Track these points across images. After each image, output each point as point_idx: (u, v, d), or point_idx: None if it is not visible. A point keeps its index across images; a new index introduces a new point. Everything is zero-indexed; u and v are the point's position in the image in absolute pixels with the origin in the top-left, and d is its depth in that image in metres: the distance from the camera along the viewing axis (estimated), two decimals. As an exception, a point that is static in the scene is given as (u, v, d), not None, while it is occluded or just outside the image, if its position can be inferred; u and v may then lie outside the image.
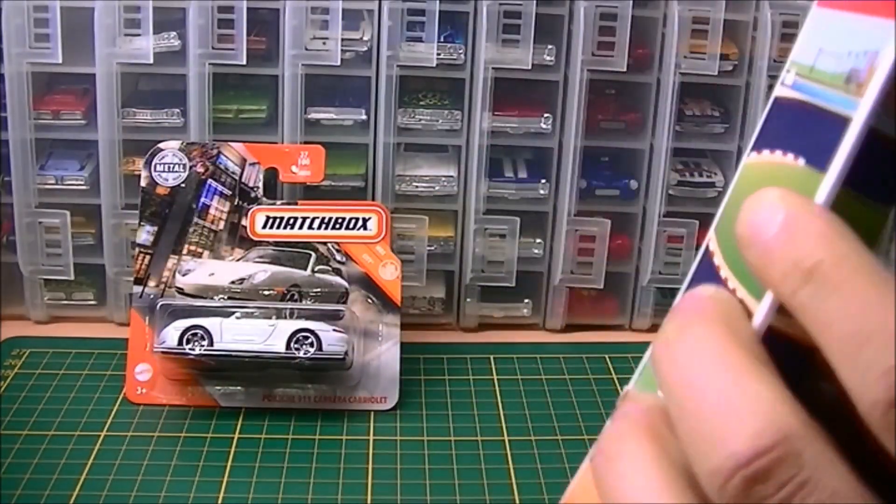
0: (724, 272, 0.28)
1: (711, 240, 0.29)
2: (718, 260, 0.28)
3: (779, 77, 0.28)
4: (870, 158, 0.24)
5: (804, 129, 0.26)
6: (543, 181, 0.74)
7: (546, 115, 0.72)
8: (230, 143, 0.69)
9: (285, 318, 0.64)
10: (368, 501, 0.57)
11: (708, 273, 0.28)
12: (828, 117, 0.25)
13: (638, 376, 0.31)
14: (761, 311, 0.26)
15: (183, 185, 0.67)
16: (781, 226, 0.25)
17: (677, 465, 0.26)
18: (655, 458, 0.26)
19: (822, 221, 0.24)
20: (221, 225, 0.67)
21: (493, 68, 0.70)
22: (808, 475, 0.23)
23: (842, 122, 0.25)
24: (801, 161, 0.26)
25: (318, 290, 0.66)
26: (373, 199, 0.73)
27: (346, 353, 0.63)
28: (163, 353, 0.63)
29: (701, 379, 0.25)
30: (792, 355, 0.26)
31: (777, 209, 0.25)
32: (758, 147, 0.28)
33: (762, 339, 0.26)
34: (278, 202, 0.68)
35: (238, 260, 0.67)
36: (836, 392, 0.23)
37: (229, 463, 0.60)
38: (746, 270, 0.26)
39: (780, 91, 0.28)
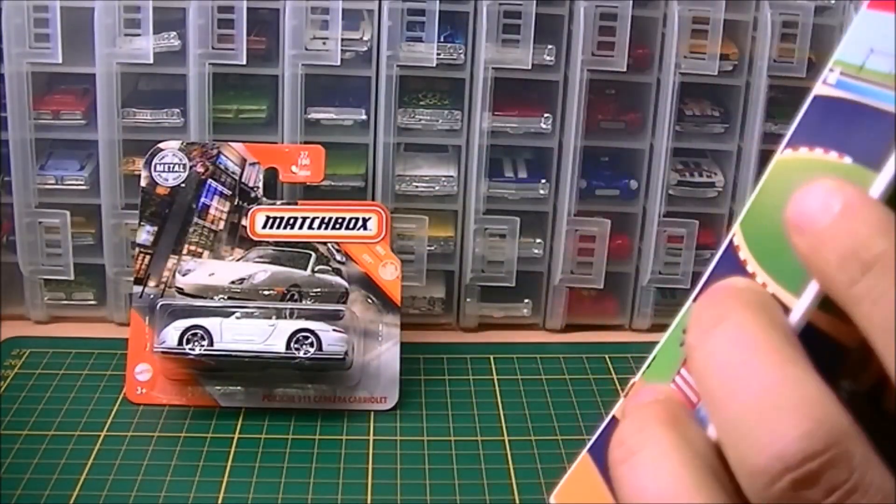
0: (752, 266, 0.27)
1: (736, 234, 0.29)
2: (745, 254, 0.28)
3: (821, 76, 0.28)
4: None
5: (849, 128, 0.26)
6: (543, 181, 0.74)
7: (546, 115, 0.72)
8: (230, 143, 0.69)
9: (285, 318, 0.64)
10: (368, 501, 0.57)
11: (732, 268, 0.28)
12: (879, 115, 0.25)
13: (647, 367, 0.30)
14: (802, 304, 0.25)
15: (183, 185, 0.67)
16: (840, 213, 0.24)
17: (703, 458, 0.25)
18: (680, 451, 0.25)
19: (881, 213, 0.23)
20: (221, 225, 0.67)
21: (493, 68, 0.70)
22: (860, 479, 0.22)
23: (893, 119, 0.25)
24: (848, 159, 0.26)
25: (318, 290, 0.66)
26: (373, 199, 0.73)
27: (346, 353, 0.63)
28: (163, 353, 0.63)
29: (742, 370, 0.24)
30: (826, 351, 0.25)
31: (835, 196, 0.24)
32: (794, 144, 0.28)
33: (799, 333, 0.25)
34: (278, 202, 0.68)
35: (238, 260, 0.67)
36: (862, 390, 0.23)
37: (229, 463, 0.60)
38: (780, 264, 0.26)
39: (821, 90, 0.27)
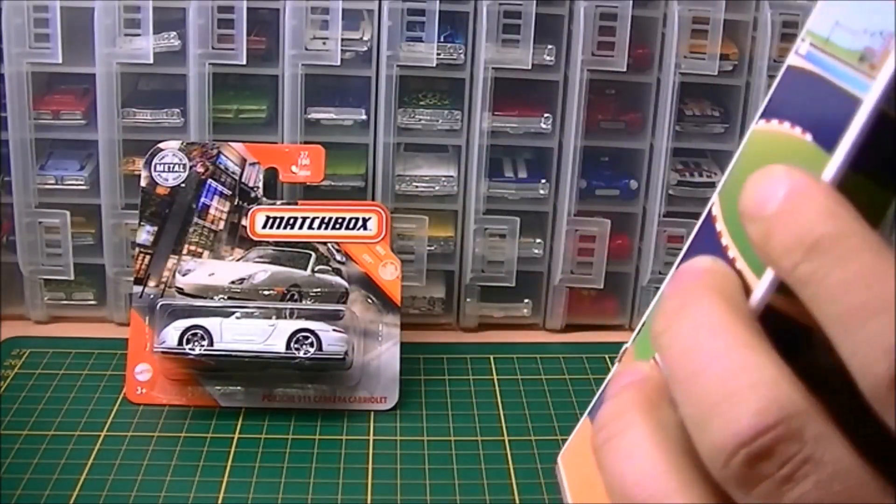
0: (726, 240, 0.28)
1: (715, 204, 0.29)
2: (721, 226, 0.28)
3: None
4: (878, 142, 0.24)
5: (814, 104, 0.26)
6: (543, 181, 0.74)
7: (546, 115, 0.72)
8: (230, 143, 0.69)
9: (285, 318, 0.64)
10: (368, 501, 0.57)
11: (709, 238, 0.28)
12: (838, 95, 0.25)
13: (636, 335, 0.31)
14: (761, 288, 0.26)
15: (183, 185, 0.67)
16: (784, 200, 0.24)
17: (677, 440, 0.26)
18: (654, 436, 0.26)
19: (827, 198, 0.24)
20: (221, 225, 0.67)
21: (493, 68, 0.70)
22: (811, 452, 0.23)
23: (852, 103, 0.24)
24: (809, 137, 0.26)
25: (318, 290, 0.66)
26: (373, 199, 0.73)
27: (346, 353, 0.63)
28: (163, 353, 0.63)
29: (702, 355, 0.25)
30: (788, 332, 0.26)
31: (781, 184, 0.25)
32: (767, 115, 0.28)
33: (760, 315, 0.26)
34: (278, 202, 0.68)
35: (238, 260, 0.67)
36: (835, 365, 0.23)
37: (229, 463, 0.60)
38: (748, 244, 0.26)
39: (793, 59, 0.27)
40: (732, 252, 0.27)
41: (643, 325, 0.31)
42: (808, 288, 0.24)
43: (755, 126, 0.28)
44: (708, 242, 0.28)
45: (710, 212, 0.29)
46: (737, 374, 0.24)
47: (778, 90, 0.28)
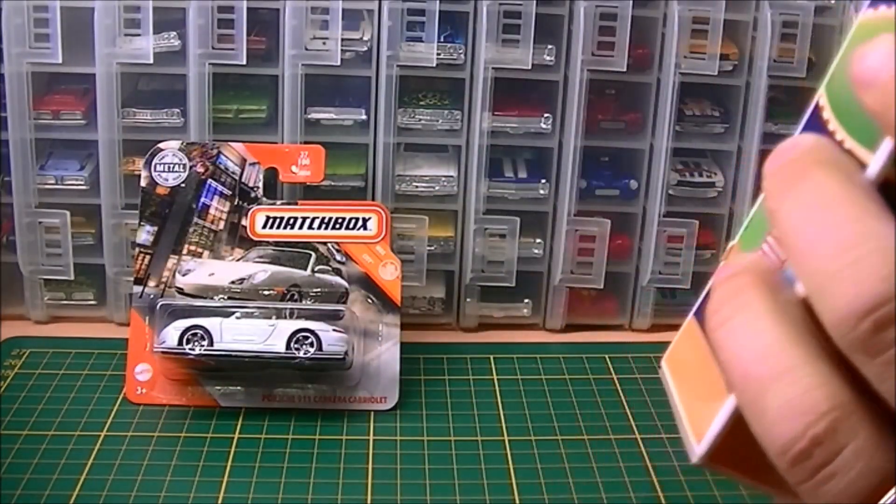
0: (833, 125, 0.27)
1: (821, 96, 0.29)
2: (828, 114, 0.28)
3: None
4: None
5: None
6: (543, 181, 0.74)
7: (546, 115, 0.72)
8: (230, 143, 0.69)
9: (285, 318, 0.64)
10: (368, 501, 0.57)
11: (816, 128, 0.28)
12: None
13: (742, 231, 0.31)
14: (879, 159, 0.26)
15: (183, 185, 0.67)
16: None
17: (794, 316, 0.26)
18: (772, 312, 0.26)
19: None
20: (221, 225, 0.67)
21: (493, 68, 0.70)
22: None
23: None
24: None
25: (318, 290, 0.66)
26: (373, 199, 0.73)
27: (346, 353, 0.63)
28: (163, 353, 0.63)
29: (822, 224, 0.25)
30: None
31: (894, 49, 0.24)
32: (875, 3, 0.27)
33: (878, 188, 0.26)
34: (278, 202, 0.68)
35: (238, 260, 0.67)
36: None
37: (229, 463, 0.60)
38: (858, 123, 0.26)
39: None
40: (841, 135, 0.27)
41: (750, 220, 0.31)
42: None
43: (862, 16, 0.28)
44: (815, 131, 0.28)
45: (816, 104, 0.29)
46: (860, 242, 0.24)
47: None
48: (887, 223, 0.24)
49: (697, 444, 0.29)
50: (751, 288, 0.27)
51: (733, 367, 0.27)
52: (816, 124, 0.28)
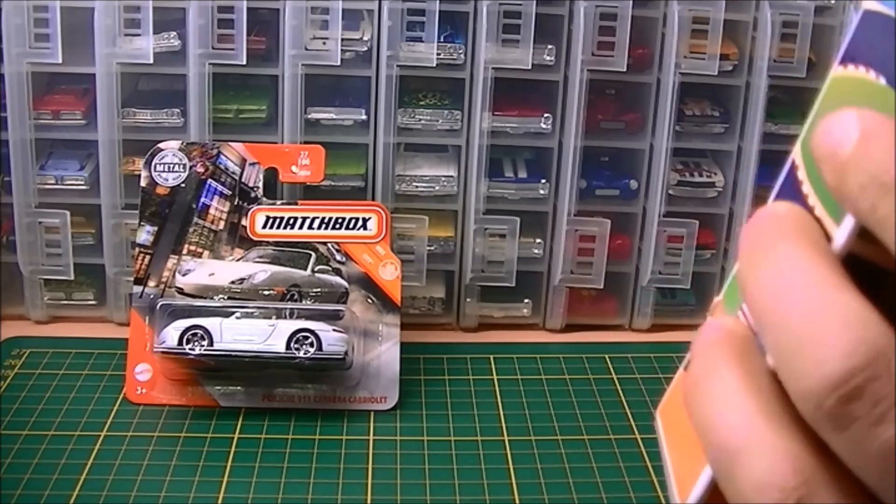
0: (806, 187, 0.27)
1: (797, 154, 0.29)
2: (802, 174, 0.28)
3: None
4: None
5: (886, 46, 0.26)
6: (543, 181, 0.74)
7: (546, 115, 0.72)
8: (230, 143, 0.69)
9: (285, 318, 0.64)
10: (368, 501, 0.57)
11: (790, 187, 0.28)
12: None
13: (726, 287, 0.31)
14: (842, 232, 0.26)
15: (183, 185, 0.67)
16: (858, 141, 0.24)
17: (767, 387, 0.26)
18: (744, 383, 0.26)
19: None
20: (221, 225, 0.67)
21: (493, 68, 0.70)
22: None
23: None
24: (882, 80, 0.25)
25: (318, 290, 0.66)
26: (373, 199, 0.73)
27: (346, 353, 0.63)
28: (163, 353, 0.63)
29: (787, 296, 0.25)
30: (871, 278, 0.25)
31: (853, 126, 0.25)
32: (844, 60, 0.27)
33: (842, 262, 0.26)
34: (278, 202, 0.68)
35: (238, 260, 0.67)
36: None
37: (229, 463, 0.60)
38: (825, 190, 0.26)
39: (869, 4, 0.27)
40: (812, 200, 0.27)
41: (732, 277, 0.31)
42: (887, 229, 0.23)
43: (833, 72, 0.28)
44: (790, 190, 0.28)
45: (793, 161, 0.29)
46: (823, 315, 0.24)
47: (855, 35, 0.27)
48: (851, 295, 0.24)
49: (681, 501, 0.29)
50: (724, 359, 0.27)
51: (707, 436, 0.27)
52: (791, 185, 0.28)
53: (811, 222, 0.27)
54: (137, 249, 0.67)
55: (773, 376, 0.26)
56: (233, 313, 0.64)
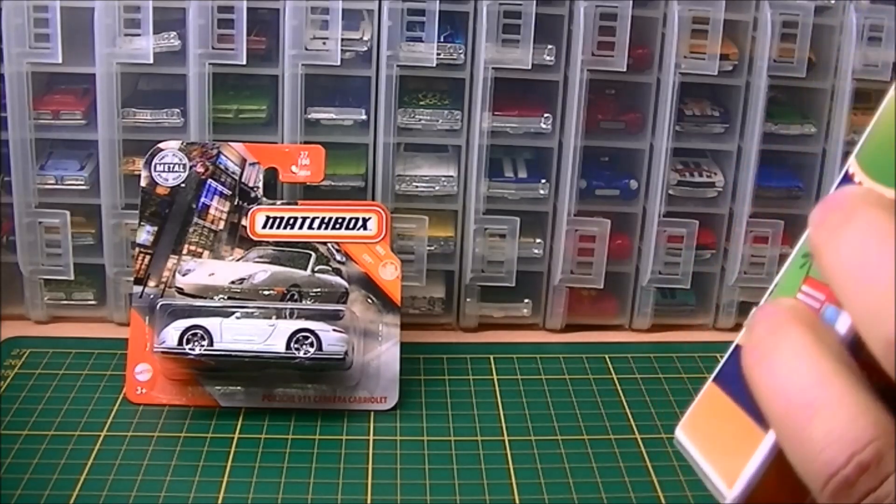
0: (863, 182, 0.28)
1: (852, 165, 0.29)
2: (859, 178, 0.29)
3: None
4: None
5: None
6: (543, 181, 0.74)
7: (546, 115, 0.72)
8: (230, 143, 0.69)
9: (285, 318, 0.64)
10: (368, 501, 0.57)
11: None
12: None
13: (768, 296, 0.31)
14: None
15: (183, 185, 0.67)
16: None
17: (835, 350, 0.27)
18: (813, 345, 0.27)
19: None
20: (221, 225, 0.67)
21: (493, 68, 0.70)
22: None
23: None
24: None
25: (318, 290, 0.66)
26: (373, 199, 0.73)
27: (346, 353, 0.63)
28: (163, 353, 0.63)
29: (875, 259, 0.26)
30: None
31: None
32: None
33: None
34: (278, 202, 0.68)
35: (238, 260, 0.67)
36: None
37: (229, 463, 0.60)
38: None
39: None
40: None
41: (776, 285, 0.31)
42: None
43: (892, 93, 0.28)
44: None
45: (847, 171, 0.29)
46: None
47: None
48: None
49: (730, 489, 0.29)
50: (791, 323, 0.28)
51: (775, 400, 0.27)
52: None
53: (889, 200, 0.27)
54: (137, 249, 0.67)
55: (840, 342, 0.27)
56: (233, 313, 0.64)
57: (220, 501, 0.56)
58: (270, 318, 0.64)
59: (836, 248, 0.27)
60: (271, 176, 0.69)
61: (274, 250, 0.67)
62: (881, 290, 0.25)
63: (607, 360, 0.72)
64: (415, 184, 0.73)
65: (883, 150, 0.28)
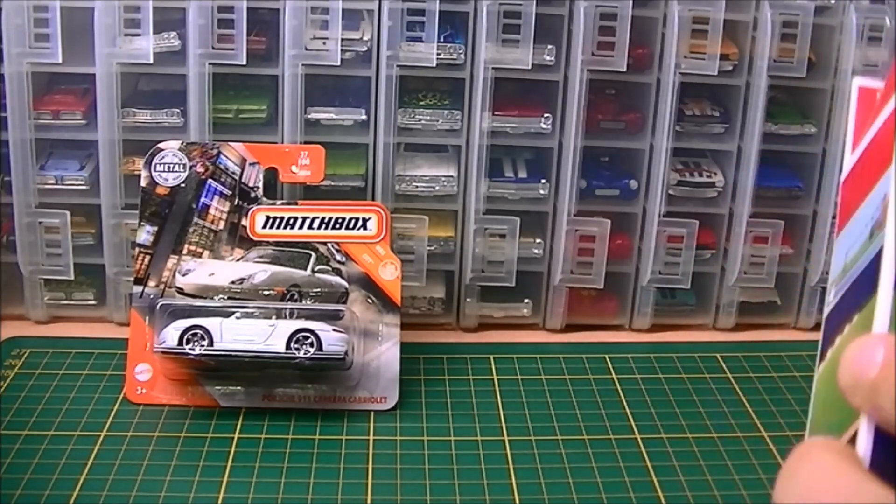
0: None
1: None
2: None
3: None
4: None
5: None
6: (543, 181, 0.74)
7: (546, 115, 0.72)
8: (230, 143, 0.69)
9: (285, 318, 0.64)
10: (368, 501, 0.57)
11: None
12: None
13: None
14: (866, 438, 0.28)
15: (183, 185, 0.67)
16: (883, 363, 0.27)
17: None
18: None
19: None
20: (221, 225, 0.67)
21: (493, 68, 0.70)
22: None
23: None
24: None
25: (318, 290, 0.66)
26: (373, 199, 0.73)
27: (346, 353, 0.63)
28: (163, 353, 0.63)
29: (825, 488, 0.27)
30: None
31: (877, 350, 0.27)
32: None
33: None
34: (278, 202, 0.68)
35: (238, 260, 0.67)
36: None
37: (229, 463, 0.60)
38: None
39: None
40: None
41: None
42: None
43: None
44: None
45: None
46: None
47: None
48: (884, 491, 0.27)
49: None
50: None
51: None
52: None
53: (837, 447, 0.29)
54: (137, 249, 0.67)
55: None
56: (233, 313, 0.64)
57: (220, 501, 0.56)
58: (270, 318, 0.64)
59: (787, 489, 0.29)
60: (271, 176, 0.69)
61: (274, 250, 0.67)
62: None
63: (607, 360, 0.72)
64: (415, 184, 0.73)
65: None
